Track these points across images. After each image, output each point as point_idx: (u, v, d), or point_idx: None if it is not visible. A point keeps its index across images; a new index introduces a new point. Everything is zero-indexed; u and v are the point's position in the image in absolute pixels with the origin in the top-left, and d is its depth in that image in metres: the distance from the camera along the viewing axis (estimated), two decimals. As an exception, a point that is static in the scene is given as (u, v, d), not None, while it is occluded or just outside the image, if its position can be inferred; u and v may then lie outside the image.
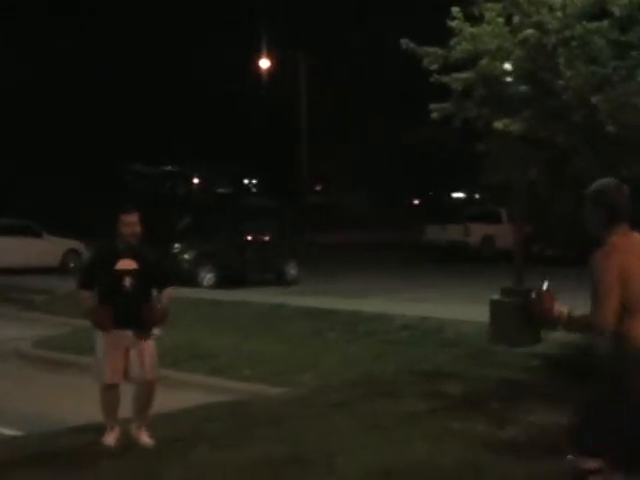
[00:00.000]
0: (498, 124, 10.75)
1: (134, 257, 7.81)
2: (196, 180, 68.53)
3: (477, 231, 34.96)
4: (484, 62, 10.87)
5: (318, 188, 60.04)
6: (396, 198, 59.01)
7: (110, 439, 7.87)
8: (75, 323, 15.82)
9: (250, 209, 27.63)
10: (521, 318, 13.02)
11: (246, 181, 70.58)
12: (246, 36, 44.40)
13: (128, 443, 7.90)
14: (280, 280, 23.88)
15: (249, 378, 11.40)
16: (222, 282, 22.63)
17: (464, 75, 11.20)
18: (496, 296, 13.54)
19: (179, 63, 46.49)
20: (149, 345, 7.92)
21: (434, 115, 11.83)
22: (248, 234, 24.86)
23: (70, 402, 10.23)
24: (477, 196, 67.46)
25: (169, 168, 65.72)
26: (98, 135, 44.33)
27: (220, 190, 63.24)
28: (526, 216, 34.70)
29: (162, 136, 48.92)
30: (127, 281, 7.79)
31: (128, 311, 7.74)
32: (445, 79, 11.38)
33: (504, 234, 34.88)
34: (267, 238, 25.40)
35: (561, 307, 5.13)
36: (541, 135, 9.58)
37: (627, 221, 5.06)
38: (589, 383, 5.40)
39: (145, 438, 7.93)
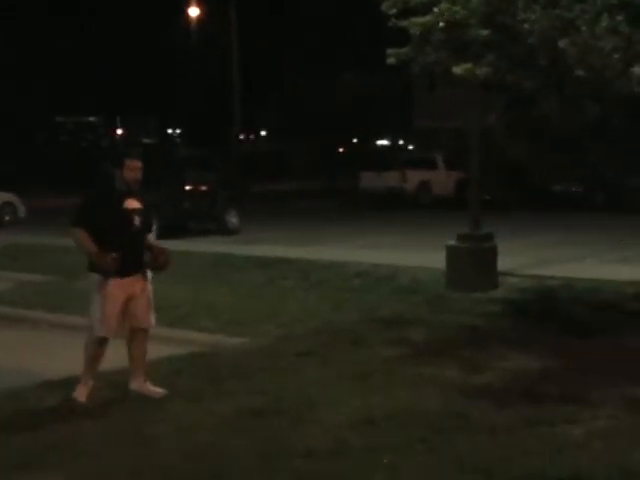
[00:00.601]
0: (457, 69, 10.66)
1: (137, 198, 7.78)
2: (119, 131, 67.67)
3: (413, 177, 35.06)
4: (443, 5, 10.73)
5: (251, 137, 59.63)
6: (326, 146, 58.89)
7: (82, 395, 7.71)
8: (19, 277, 15.52)
9: (183, 159, 27.16)
10: (477, 263, 13.10)
11: (170, 131, 69.88)
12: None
13: (100, 399, 7.77)
14: (221, 229, 23.63)
15: (209, 329, 11.22)
16: (163, 232, 22.28)
17: (423, 19, 11.05)
18: (452, 242, 13.55)
19: (106, 11, 45.64)
20: (150, 290, 7.88)
21: (391, 60, 11.69)
22: (187, 184, 24.51)
23: (30, 357, 9.99)
24: (401, 142, 67.87)
25: (91, 119, 64.79)
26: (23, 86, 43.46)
27: (145, 140, 62.50)
28: (466, 162, 35.19)
29: (84, 86, 48.17)
30: (137, 220, 7.71)
31: (137, 252, 7.66)
32: (403, 23, 11.25)
33: (440, 180, 35.29)
34: (206, 187, 25.08)
35: None
36: (508, 80, 9.50)
37: None
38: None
39: (158, 389, 7.90)
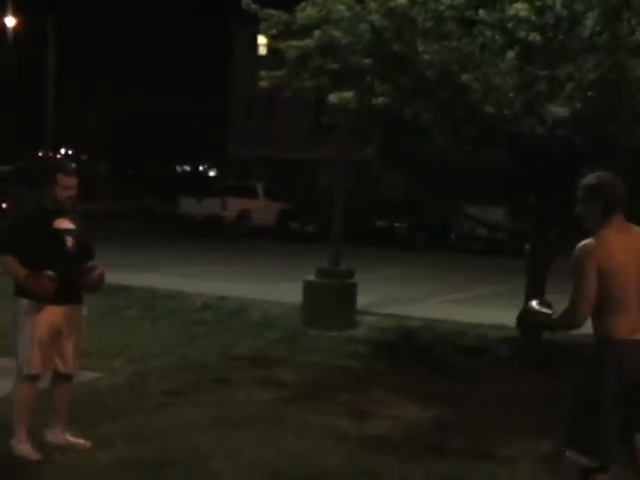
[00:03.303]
0: (333, 97, 10.18)
1: (69, 218, 6.72)
2: None
3: (234, 205, 34.49)
4: (327, 29, 10.25)
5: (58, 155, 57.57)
6: (128, 168, 57.65)
7: (31, 450, 6.61)
8: None
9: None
10: (338, 300, 12.62)
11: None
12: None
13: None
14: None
15: (55, 361, 10.22)
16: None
17: (302, 43, 10.53)
18: (311, 277, 13.00)
19: None
20: (83, 329, 6.91)
21: (263, 83, 11.13)
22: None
23: None
24: (201, 169, 67.44)
25: None
26: None
27: None
28: (286, 193, 34.78)
29: None
30: (69, 241, 6.66)
31: (70, 278, 6.55)
32: (281, 45, 10.71)
33: (260, 209, 34.88)
34: (6, 206, 23.70)
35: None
36: (407, 112, 9.06)
37: (622, 214, 4.95)
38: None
39: (80, 440, 6.91)
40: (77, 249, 6.73)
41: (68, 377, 6.92)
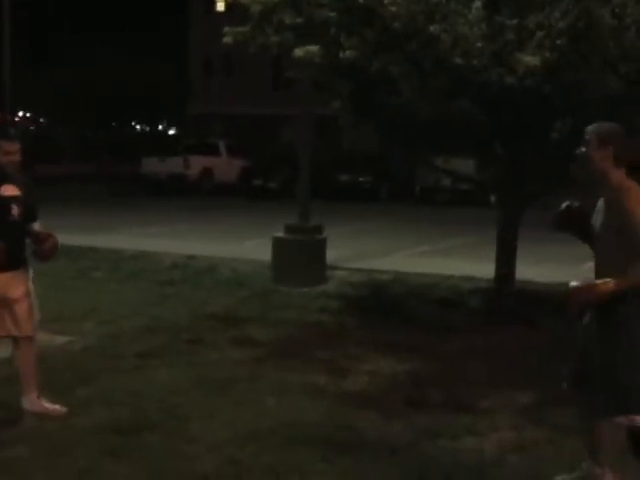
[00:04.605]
0: (299, 51, 10.02)
1: (15, 184, 6.62)
2: None
3: (196, 164, 34.22)
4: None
5: (18, 117, 56.75)
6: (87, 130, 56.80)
7: None
8: None
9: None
10: (307, 256, 12.56)
11: None
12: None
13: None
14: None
15: (24, 326, 10.07)
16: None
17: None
18: (279, 233, 12.90)
19: None
20: (32, 291, 6.80)
21: (227, 39, 10.91)
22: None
23: None
24: (160, 128, 66.85)
25: None
26: None
27: None
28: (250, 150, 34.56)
29: None
30: (14, 209, 6.55)
31: (16, 245, 6.52)
32: (244, 1, 10.50)
33: (222, 167, 34.65)
34: None
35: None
36: (374, 65, 8.93)
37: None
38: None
39: (56, 406, 6.82)
40: (22, 216, 6.65)
41: (26, 340, 6.82)
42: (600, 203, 5.04)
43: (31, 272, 6.88)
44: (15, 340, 6.81)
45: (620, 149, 4.87)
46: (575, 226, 5.17)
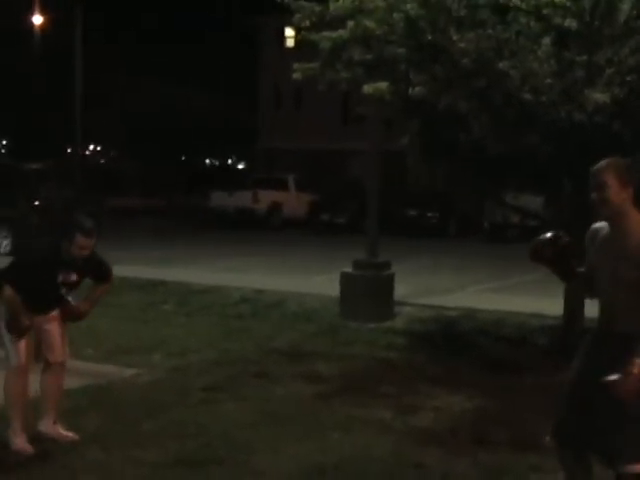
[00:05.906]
0: (368, 88, 10.12)
1: (77, 271, 6.86)
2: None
3: (265, 198, 34.42)
4: (360, 20, 10.16)
5: (89, 150, 57.80)
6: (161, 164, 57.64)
7: (25, 444, 6.65)
8: None
9: (24, 172, 25.76)
10: (375, 292, 12.57)
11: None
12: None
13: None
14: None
15: (94, 358, 10.22)
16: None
17: (335, 34, 10.45)
18: (348, 269, 12.94)
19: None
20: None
21: (296, 75, 11.07)
22: (36, 198, 23.12)
23: None
24: (230, 162, 67.44)
25: None
26: None
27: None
28: (316, 185, 34.72)
29: None
30: (64, 291, 6.92)
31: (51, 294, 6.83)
32: (314, 37, 10.64)
33: (291, 202, 34.81)
34: (54, 202, 23.70)
35: None
36: (443, 101, 8.99)
37: None
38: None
39: (69, 433, 6.93)
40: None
41: (58, 365, 6.97)
42: (605, 232, 4.66)
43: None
44: (46, 363, 6.95)
45: (636, 187, 4.55)
46: (559, 262, 4.71)
